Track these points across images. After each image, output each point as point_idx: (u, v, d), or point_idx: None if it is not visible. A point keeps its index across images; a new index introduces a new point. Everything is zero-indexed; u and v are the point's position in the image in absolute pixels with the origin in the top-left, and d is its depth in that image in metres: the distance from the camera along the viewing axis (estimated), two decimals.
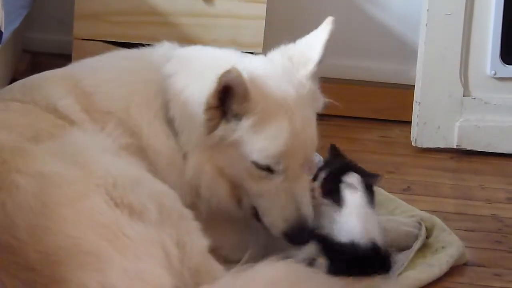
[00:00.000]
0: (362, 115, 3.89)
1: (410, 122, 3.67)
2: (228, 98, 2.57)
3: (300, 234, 2.63)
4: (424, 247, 2.86)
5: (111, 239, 2.27)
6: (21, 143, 2.44)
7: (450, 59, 3.61)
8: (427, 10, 3.58)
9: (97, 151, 2.47)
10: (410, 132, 3.67)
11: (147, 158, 2.65)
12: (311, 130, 2.69)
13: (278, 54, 2.78)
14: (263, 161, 2.61)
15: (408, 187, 3.34)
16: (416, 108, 3.65)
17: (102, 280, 2.21)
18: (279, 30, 3.88)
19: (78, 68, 2.81)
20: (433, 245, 2.87)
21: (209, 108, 2.59)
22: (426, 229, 2.90)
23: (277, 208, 2.64)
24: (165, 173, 2.66)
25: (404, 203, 3.07)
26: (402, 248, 2.83)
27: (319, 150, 3.33)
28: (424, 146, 3.66)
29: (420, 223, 2.90)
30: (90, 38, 3.44)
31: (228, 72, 2.52)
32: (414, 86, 3.66)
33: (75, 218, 2.26)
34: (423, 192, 3.32)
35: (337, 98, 3.86)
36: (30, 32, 3.83)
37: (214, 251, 2.51)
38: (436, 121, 3.64)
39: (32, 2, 3.63)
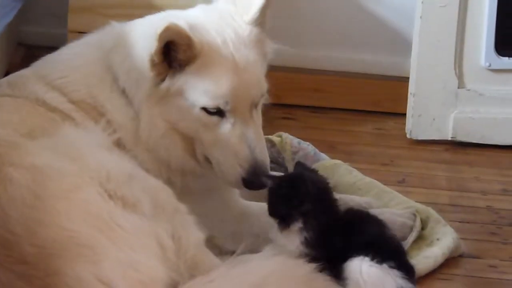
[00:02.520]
0: (356, 107, 3.88)
1: (405, 114, 3.68)
2: (172, 50, 2.60)
3: (257, 178, 2.63)
4: (419, 239, 2.86)
5: (105, 230, 2.27)
6: (15, 138, 2.44)
7: (444, 51, 3.61)
8: (422, 2, 3.58)
9: (91, 146, 2.48)
10: (405, 124, 3.67)
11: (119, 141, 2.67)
12: (255, 70, 2.69)
13: (223, 1, 2.78)
14: (211, 103, 2.62)
15: (403, 179, 3.35)
16: (410, 100, 3.65)
17: (96, 272, 2.21)
18: (274, 22, 3.87)
19: (42, 65, 2.83)
20: (428, 237, 2.87)
21: (154, 64, 2.61)
22: (421, 220, 2.90)
23: (231, 154, 2.65)
24: (134, 149, 2.69)
25: (399, 195, 3.07)
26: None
27: (314, 143, 3.35)
28: (419, 138, 3.66)
29: (415, 215, 2.90)
30: (85, 31, 3.43)
31: (166, 29, 2.54)
32: (408, 78, 3.66)
33: (69, 210, 2.26)
34: (418, 184, 3.32)
35: (333, 90, 3.90)
36: (24, 25, 3.83)
37: (209, 240, 2.52)
38: (431, 113, 3.64)
39: None
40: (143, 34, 2.69)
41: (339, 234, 2.51)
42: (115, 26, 2.83)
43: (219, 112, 2.64)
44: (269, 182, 2.59)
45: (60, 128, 2.55)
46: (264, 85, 2.72)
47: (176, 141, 2.69)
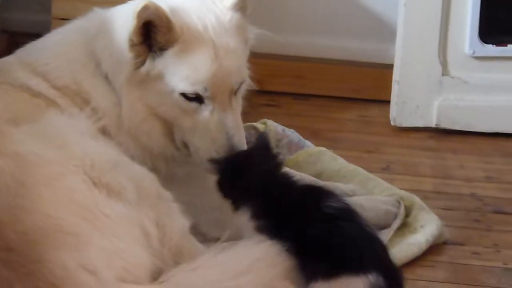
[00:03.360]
0: (341, 95, 3.89)
1: (389, 101, 3.68)
2: (152, 32, 2.60)
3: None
4: (403, 226, 2.87)
5: (89, 218, 2.28)
6: None
7: (429, 39, 3.61)
8: None
9: (76, 134, 2.48)
10: (389, 112, 3.68)
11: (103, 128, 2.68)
12: (235, 57, 2.68)
13: None
14: (189, 88, 2.62)
15: (387, 166, 3.35)
16: (395, 87, 3.66)
17: (81, 260, 2.21)
18: (256, 9, 3.87)
19: (26, 52, 2.82)
20: (412, 224, 2.88)
21: (133, 45, 2.62)
22: (405, 208, 2.91)
23: (208, 140, 2.65)
24: (118, 135, 2.70)
25: (383, 182, 3.08)
26: (382, 227, 2.84)
27: (298, 130, 3.35)
28: (403, 125, 3.67)
29: (399, 202, 2.91)
30: (69, 18, 3.43)
31: (145, 7, 2.54)
32: (393, 65, 3.67)
33: (53, 197, 2.26)
34: (402, 171, 3.33)
35: (316, 77, 3.90)
36: (7, 12, 3.81)
37: (193, 228, 2.52)
38: (415, 100, 3.65)
39: None
40: (125, 18, 2.69)
41: (294, 220, 2.47)
42: (98, 12, 2.82)
43: (198, 98, 2.64)
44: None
45: (44, 114, 2.55)
46: (244, 72, 2.72)
47: (156, 126, 2.69)
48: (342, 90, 3.90)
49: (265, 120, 3.39)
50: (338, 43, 3.95)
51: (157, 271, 2.34)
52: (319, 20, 3.97)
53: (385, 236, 2.79)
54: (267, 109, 3.74)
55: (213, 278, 2.33)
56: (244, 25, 2.76)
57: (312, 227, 2.40)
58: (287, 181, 2.55)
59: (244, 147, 2.67)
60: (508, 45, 3.67)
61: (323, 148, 3.27)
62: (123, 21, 2.70)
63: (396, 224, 2.84)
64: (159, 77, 2.64)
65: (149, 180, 2.49)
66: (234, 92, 2.69)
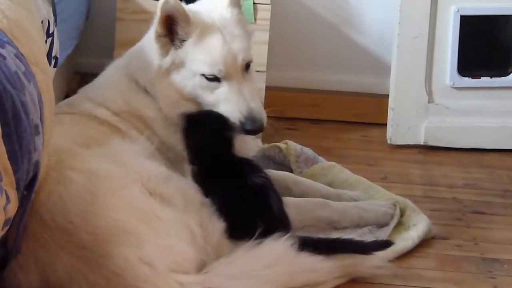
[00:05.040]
0: (346, 119, 3.87)
1: (386, 124, 3.66)
2: (174, 26, 2.61)
3: (253, 122, 2.62)
4: (399, 224, 2.84)
5: (146, 220, 2.27)
6: (74, 147, 2.44)
7: (417, 73, 3.59)
8: (398, 34, 3.57)
9: (135, 155, 2.49)
10: (386, 132, 3.65)
11: (155, 139, 2.67)
12: (240, 41, 2.68)
13: None
14: (207, 70, 2.62)
15: (385, 176, 3.33)
16: (390, 113, 3.63)
17: (139, 254, 2.21)
18: (279, 53, 3.87)
19: (86, 89, 2.83)
20: (406, 223, 2.85)
21: (158, 36, 2.63)
22: (400, 209, 2.88)
23: (231, 105, 2.64)
24: (164, 133, 2.69)
25: (382, 189, 3.05)
26: (381, 226, 2.82)
27: (313, 148, 3.34)
28: (397, 143, 3.64)
29: (395, 205, 2.88)
30: None
31: (166, 1, 2.57)
32: (388, 95, 3.64)
33: (117, 204, 2.26)
34: (397, 180, 3.30)
35: (328, 106, 3.88)
36: (80, 57, 3.82)
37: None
38: (406, 123, 3.62)
39: (81, 33, 3.62)
40: (146, 39, 2.73)
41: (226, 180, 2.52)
42: (129, 49, 2.85)
43: (216, 78, 2.63)
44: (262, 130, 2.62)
45: (110, 139, 2.55)
46: (249, 53, 2.71)
47: (186, 107, 2.67)
48: (348, 116, 3.87)
49: (286, 141, 3.36)
50: (345, 78, 3.94)
51: (201, 263, 2.33)
52: (329, 59, 3.96)
53: (384, 233, 2.77)
54: (288, 132, 3.72)
55: (247, 269, 2.32)
56: (242, 18, 2.75)
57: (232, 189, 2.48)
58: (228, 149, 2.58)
59: (261, 109, 2.66)
60: (481, 78, 3.64)
61: (333, 163, 3.24)
62: (145, 41, 2.73)
63: (393, 223, 2.81)
64: (182, 64, 2.65)
65: (194, 191, 2.48)
66: (245, 70, 2.68)
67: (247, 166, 2.58)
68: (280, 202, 2.57)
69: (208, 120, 2.61)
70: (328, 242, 2.52)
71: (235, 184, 2.52)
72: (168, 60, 2.65)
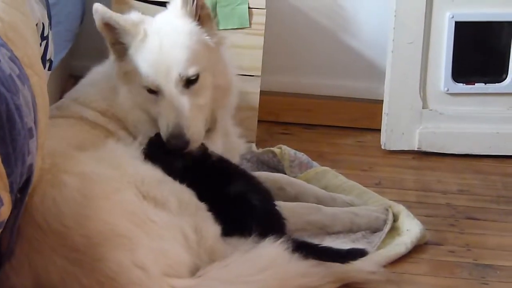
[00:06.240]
0: (341, 124, 3.87)
1: (380, 129, 3.66)
2: (117, 36, 2.60)
3: (175, 139, 2.57)
4: (392, 229, 2.84)
5: (140, 224, 2.27)
6: (68, 150, 2.44)
7: (411, 79, 3.59)
8: (393, 40, 3.57)
9: (129, 158, 2.48)
10: (380, 138, 3.66)
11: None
12: (181, 51, 2.60)
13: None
14: (144, 82, 2.59)
15: (379, 181, 3.33)
16: (384, 118, 3.63)
17: (133, 258, 2.21)
18: (274, 57, 3.87)
19: (72, 92, 2.83)
20: (399, 228, 2.85)
21: (112, 44, 2.63)
22: (393, 215, 2.88)
23: (163, 119, 2.60)
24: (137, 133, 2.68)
25: (376, 194, 3.05)
26: (374, 231, 2.82)
27: (307, 153, 3.34)
28: (392, 149, 3.64)
29: (387, 210, 2.88)
30: None
31: (95, 10, 2.55)
32: (382, 100, 3.64)
33: (111, 208, 2.26)
34: (391, 186, 3.30)
35: (322, 111, 3.88)
36: (74, 59, 3.82)
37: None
38: (400, 128, 3.63)
39: (76, 36, 3.62)
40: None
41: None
42: None
43: (154, 91, 2.60)
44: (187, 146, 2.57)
45: (105, 142, 2.55)
46: (193, 67, 2.60)
47: (139, 114, 2.67)
48: (342, 121, 3.88)
49: (281, 145, 3.37)
50: (339, 83, 3.94)
51: (195, 267, 2.33)
52: (324, 65, 3.96)
53: (378, 238, 2.77)
54: (282, 137, 3.72)
55: (240, 273, 2.32)
56: (197, 30, 2.65)
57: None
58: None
59: (188, 126, 2.57)
60: (475, 84, 3.65)
61: (327, 168, 3.25)
62: None
63: (386, 228, 2.82)
64: (132, 73, 2.63)
65: (188, 194, 2.47)
66: (185, 84, 2.61)
67: (221, 175, 2.58)
68: (268, 201, 2.57)
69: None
70: (307, 247, 2.50)
71: (212, 194, 2.52)
72: (123, 68, 2.64)
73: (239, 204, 2.53)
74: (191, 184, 2.49)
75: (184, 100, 2.59)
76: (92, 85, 2.77)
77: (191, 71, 2.60)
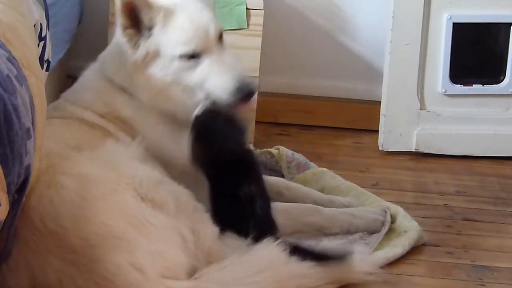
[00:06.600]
0: (339, 126, 3.87)
1: (377, 130, 3.66)
2: (137, 15, 2.58)
3: (246, 87, 2.58)
4: (390, 231, 2.84)
5: (137, 226, 2.26)
6: (66, 151, 2.43)
7: (409, 80, 3.59)
8: (390, 41, 3.57)
9: (127, 158, 2.47)
10: (378, 139, 3.66)
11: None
12: (205, 15, 2.65)
13: None
14: (185, 48, 2.60)
15: (377, 183, 3.33)
16: (382, 119, 3.63)
17: (130, 259, 2.20)
18: (271, 58, 3.87)
19: (68, 94, 2.81)
20: (397, 229, 2.85)
21: (124, 29, 2.60)
22: (391, 216, 2.88)
23: (218, 77, 2.60)
24: (143, 129, 2.65)
25: (373, 195, 3.06)
26: (372, 232, 2.82)
27: (305, 154, 3.34)
28: (389, 150, 3.65)
29: (385, 211, 2.88)
30: None
31: None
32: (380, 101, 3.65)
33: (108, 209, 2.25)
34: (388, 187, 3.30)
35: (319, 112, 3.89)
36: (72, 60, 3.82)
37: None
38: (398, 129, 3.63)
39: (74, 36, 3.62)
40: (116, 38, 2.70)
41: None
42: (104, 51, 2.83)
43: (195, 56, 2.60)
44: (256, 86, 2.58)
45: (103, 142, 2.54)
46: (218, 23, 2.67)
47: (172, 93, 2.64)
48: (340, 122, 3.88)
49: (278, 146, 3.37)
50: (337, 84, 3.94)
51: (192, 269, 2.33)
52: (322, 66, 3.96)
53: (376, 239, 2.77)
54: (279, 138, 3.72)
55: (237, 275, 2.32)
56: None
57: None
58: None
59: (247, 73, 2.62)
60: (473, 85, 3.65)
61: (325, 169, 3.25)
62: (115, 39, 2.70)
63: (384, 230, 2.82)
64: (157, 53, 2.62)
65: (186, 196, 2.47)
66: (219, 39, 2.66)
67: (244, 170, 2.57)
68: (267, 206, 2.57)
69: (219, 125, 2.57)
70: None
71: (226, 191, 2.52)
72: (141, 52, 2.62)
73: (243, 205, 2.53)
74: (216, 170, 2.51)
75: (229, 53, 2.67)
76: (90, 90, 2.73)
77: (220, 26, 2.68)
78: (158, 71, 2.63)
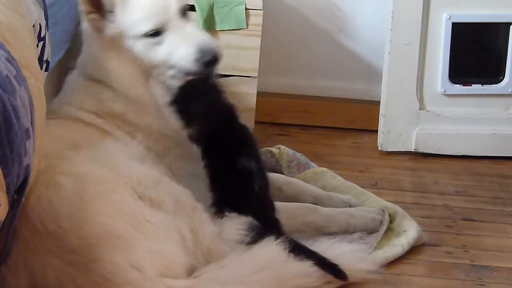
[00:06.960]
0: (338, 126, 3.87)
1: (377, 130, 3.66)
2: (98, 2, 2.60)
3: (209, 52, 2.59)
4: (389, 231, 2.84)
5: (136, 225, 2.26)
6: (63, 150, 2.43)
7: (408, 80, 3.60)
8: (390, 41, 3.57)
9: (126, 158, 2.47)
10: (377, 139, 3.66)
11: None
12: None
13: None
14: (147, 26, 2.60)
15: (376, 183, 3.33)
16: (381, 119, 3.64)
17: (129, 258, 2.20)
18: (271, 58, 3.87)
19: (59, 97, 2.82)
20: (396, 229, 2.85)
21: (87, 14, 2.63)
22: (390, 216, 2.88)
23: (181, 47, 2.61)
24: (140, 124, 2.67)
25: (373, 195, 3.06)
26: (371, 232, 2.82)
27: (304, 154, 3.34)
28: (388, 150, 3.65)
29: (383, 210, 2.88)
30: None
31: None
32: (379, 101, 3.65)
33: (106, 209, 2.26)
34: (388, 187, 3.30)
35: (319, 112, 3.89)
36: (71, 61, 3.81)
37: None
38: (397, 129, 3.63)
39: (73, 37, 3.61)
40: (84, 34, 2.72)
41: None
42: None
43: (158, 32, 2.60)
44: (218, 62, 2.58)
45: (101, 141, 2.54)
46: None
47: (137, 75, 2.66)
48: (340, 122, 3.88)
49: (279, 145, 3.38)
50: (336, 84, 3.94)
51: (191, 268, 2.33)
52: (321, 66, 3.96)
53: (374, 239, 2.77)
54: (279, 138, 3.72)
55: (237, 274, 2.32)
56: None
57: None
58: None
59: (211, 38, 2.63)
60: (472, 85, 3.65)
61: (325, 169, 3.25)
62: (84, 35, 2.73)
63: (383, 229, 2.82)
64: (122, 35, 2.62)
65: (185, 195, 2.47)
66: (182, 15, 2.65)
67: (241, 144, 2.57)
68: (265, 187, 2.58)
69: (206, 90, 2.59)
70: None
71: (224, 164, 2.54)
72: (108, 35, 2.63)
73: (241, 180, 2.53)
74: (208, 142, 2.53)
75: (192, 26, 2.66)
76: (79, 90, 2.75)
77: (183, 2, 2.67)
78: (126, 54, 2.64)
